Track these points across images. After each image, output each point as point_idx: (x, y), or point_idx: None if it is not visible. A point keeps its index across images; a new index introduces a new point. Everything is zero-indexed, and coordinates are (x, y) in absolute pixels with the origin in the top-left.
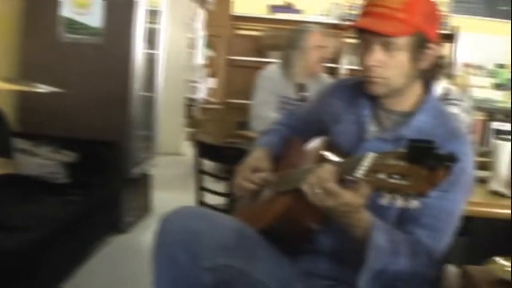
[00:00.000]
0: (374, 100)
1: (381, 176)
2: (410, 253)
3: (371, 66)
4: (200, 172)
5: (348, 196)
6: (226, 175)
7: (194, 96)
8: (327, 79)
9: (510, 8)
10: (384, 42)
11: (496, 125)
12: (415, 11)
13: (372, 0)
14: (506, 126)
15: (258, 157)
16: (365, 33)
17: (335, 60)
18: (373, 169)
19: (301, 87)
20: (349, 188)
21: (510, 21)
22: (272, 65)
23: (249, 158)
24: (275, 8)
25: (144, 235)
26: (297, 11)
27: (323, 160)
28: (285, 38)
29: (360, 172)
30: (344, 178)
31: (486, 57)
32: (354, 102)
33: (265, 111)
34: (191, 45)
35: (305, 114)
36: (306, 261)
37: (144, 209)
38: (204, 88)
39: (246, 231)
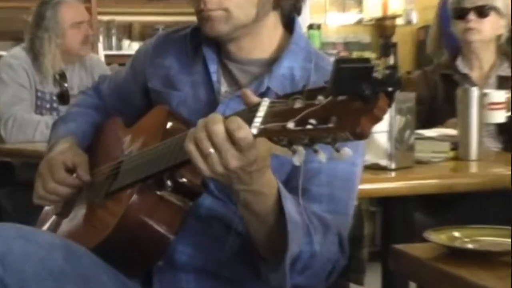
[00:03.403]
0: (221, 51)
1: (289, 125)
2: (321, 230)
3: None
4: None
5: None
6: None
7: None
8: (94, 58)
9: None
10: None
11: None
12: None
13: None
14: None
15: (66, 150)
16: None
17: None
18: (274, 120)
19: (60, 77)
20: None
21: None
22: (17, 50)
23: (52, 154)
24: None
25: None
26: None
27: (174, 134)
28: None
29: (255, 126)
30: None
31: None
32: (192, 58)
33: (20, 110)
34: None
35: (118, 87)
36: (164, 282)
37: None
38: None
39: (79, 251)
